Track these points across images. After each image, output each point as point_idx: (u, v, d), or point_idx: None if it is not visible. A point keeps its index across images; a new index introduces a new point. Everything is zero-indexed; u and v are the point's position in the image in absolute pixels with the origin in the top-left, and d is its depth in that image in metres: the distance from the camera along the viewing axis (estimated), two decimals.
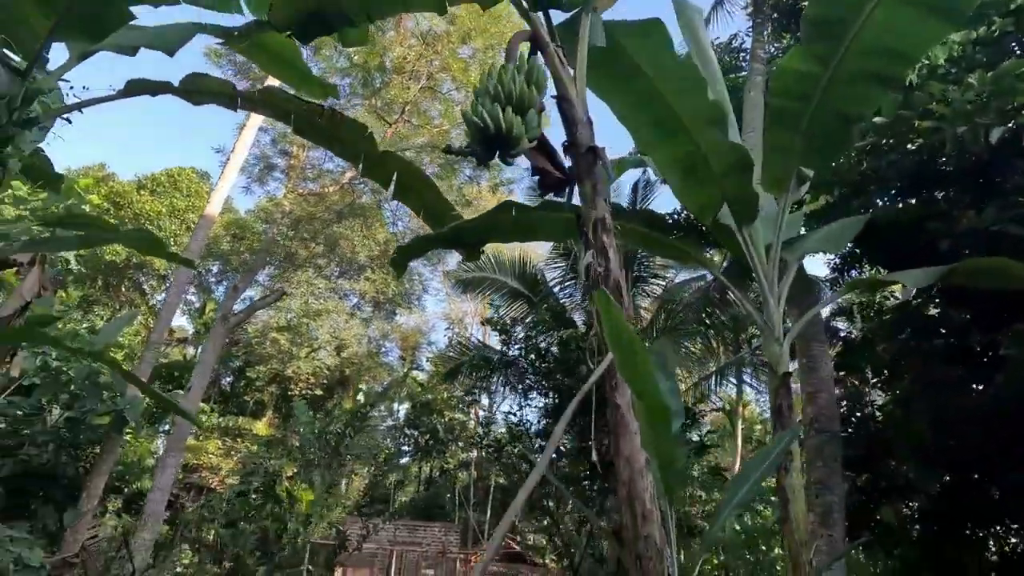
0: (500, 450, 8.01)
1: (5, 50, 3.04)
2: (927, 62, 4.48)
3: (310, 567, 13.65)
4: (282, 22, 2.98)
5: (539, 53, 2.70)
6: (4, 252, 4.25)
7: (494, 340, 12.32)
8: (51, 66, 3.26)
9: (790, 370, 3.27)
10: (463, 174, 15.25)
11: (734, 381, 14.02)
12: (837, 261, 7.74)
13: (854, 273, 7.46)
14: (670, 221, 9.73)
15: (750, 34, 7.82)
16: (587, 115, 2.62)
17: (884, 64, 3.05)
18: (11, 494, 8.53)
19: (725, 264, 9.76)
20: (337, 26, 3.07)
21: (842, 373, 8.00)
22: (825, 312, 10.50)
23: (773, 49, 8.79)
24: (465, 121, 2.46)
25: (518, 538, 20.12)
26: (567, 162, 2.69)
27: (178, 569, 12.99)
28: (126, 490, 14.77)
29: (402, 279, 22.50)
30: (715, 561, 18.08)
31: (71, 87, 3.45)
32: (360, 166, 3.86)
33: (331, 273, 18.28)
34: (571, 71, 2.71)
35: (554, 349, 7.46)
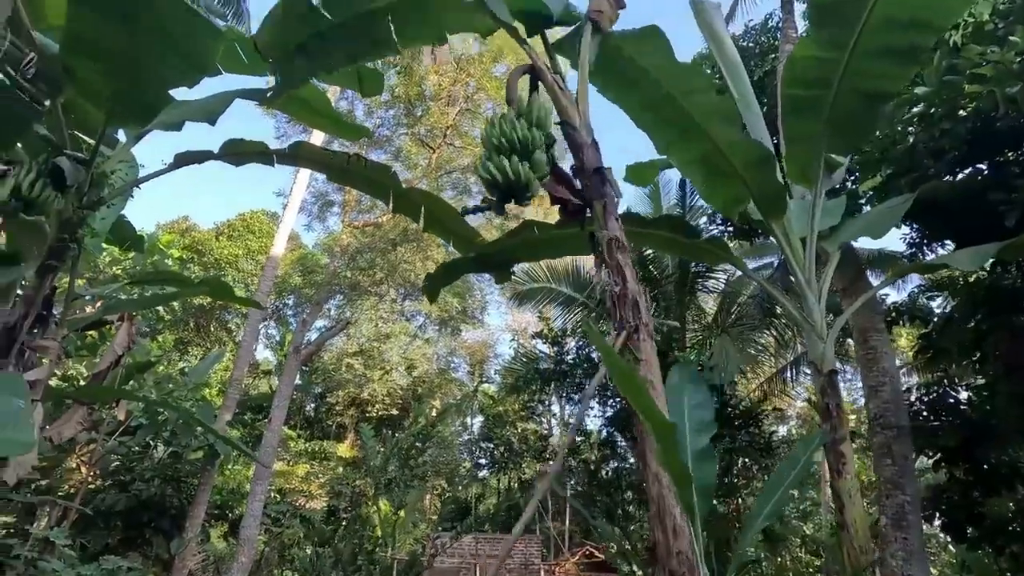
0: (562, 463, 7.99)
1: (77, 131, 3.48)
2: (972, 19, 4.14)
3: None
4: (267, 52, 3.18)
5: (539, 83, 2.76)
6: (97, 315, 4.78)
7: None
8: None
9: (836, 367, 3.12)
10: None
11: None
12: (914, 236, 7.23)
13: (936, 247, 6.92)
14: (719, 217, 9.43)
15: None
16: (592, 137, 2.64)
17: (904, 38, 2.88)
18: (127, 527, 9.42)
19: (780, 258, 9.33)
20: (342, 64, 3.23)
21: (929, 354, 7.42)
22: (902, 294, 9.76)
23: None
24: (479, 176, 2.56)
25: (603, 546, 19.83)
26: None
27: None
28: (230, 515, 15.92)
29: (463, 296, 22.99)
30: (816, 564, 17.06)
31: (130, 164, 3.87)
32: (390, 203, 4.07)
33: (395, 297, 19.02)
34: (572, 93, 2.75)
35: None
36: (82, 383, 8.41)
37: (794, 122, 3.24)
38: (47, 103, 3.09)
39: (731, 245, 11.16)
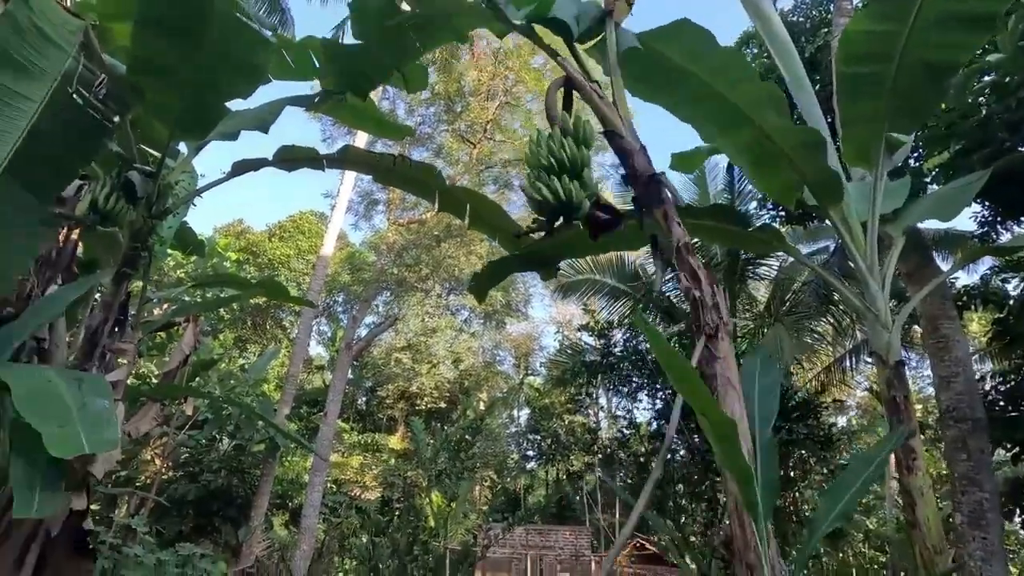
0: (609, 456, 7.92)
1: (142, 145, 3.70)
2: None
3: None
4: (335, 87, 3.34)
5: (575, 92, 2.71)
6: (167, 317, 5.06)
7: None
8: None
9: (902, 358, 2.97)
10: None
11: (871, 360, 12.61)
12: (986, 214, 6.79)
13: (1010, 224, 6.48)
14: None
15: None
16: (639, 143, 2.55)
17: (973, 3, 2.69)
18: (197, 515, 10.01)
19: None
20: (380, 79, 3.37)
21: (1006, 340, 6.97)
22: (973, 277, 9.18)
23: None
24: (527, 197, 2.50)
25: (654, 539, 19.65)
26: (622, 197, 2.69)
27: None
28: (291, 504, 16.65)
29: (507, 289, 23.07)
30: (880, 560, 16.38)
31: (191, 174, 4.09)
32: (435, 202, 4.13)
33: (440, 292, 19.26)
34: (610, 96, 2.69)
35: None
36: (154, 381, 8.96)
37: (851, 102, 3.09)
38: (117, 120, 3.29)
39: (784, 230, 10.78)
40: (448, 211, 4.28)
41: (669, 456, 8.71)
